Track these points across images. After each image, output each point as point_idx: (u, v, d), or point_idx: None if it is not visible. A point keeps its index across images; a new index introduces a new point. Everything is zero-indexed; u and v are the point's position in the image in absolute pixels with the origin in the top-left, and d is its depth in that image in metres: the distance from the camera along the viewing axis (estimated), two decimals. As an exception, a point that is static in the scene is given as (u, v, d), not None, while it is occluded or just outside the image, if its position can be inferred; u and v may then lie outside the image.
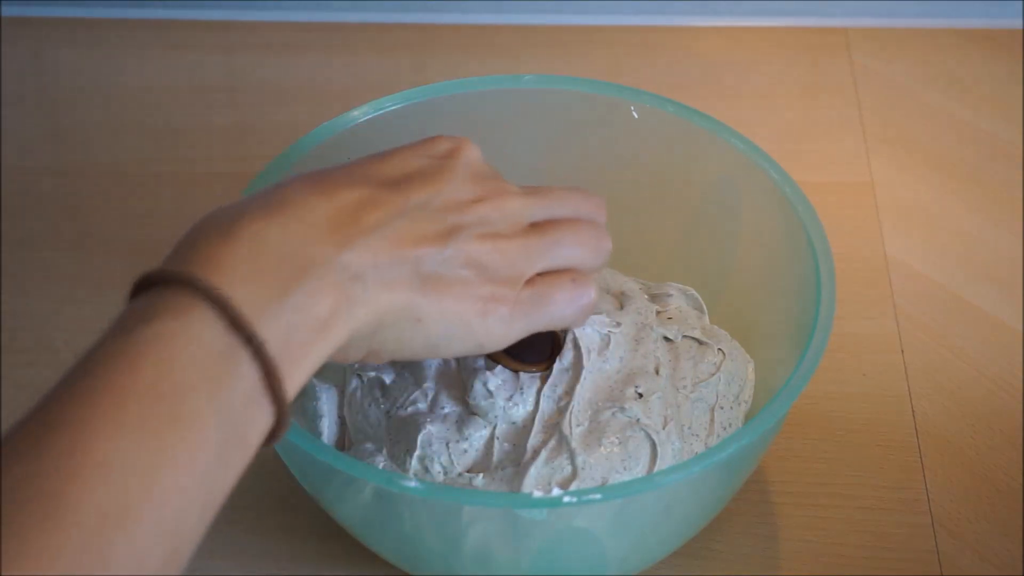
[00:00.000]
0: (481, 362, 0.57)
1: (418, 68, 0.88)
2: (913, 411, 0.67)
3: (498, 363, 0.57)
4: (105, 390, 0.39)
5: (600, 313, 0.59)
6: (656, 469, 0.55)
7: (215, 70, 0.88)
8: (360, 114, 0.63)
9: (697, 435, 0.58)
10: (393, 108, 0.64)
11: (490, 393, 0.56)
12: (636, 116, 0.64)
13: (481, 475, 0.55)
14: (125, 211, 0.78)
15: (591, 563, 0.56)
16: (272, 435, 0.43)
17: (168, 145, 0.82)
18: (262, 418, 0.42)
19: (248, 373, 0.41)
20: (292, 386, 0.43)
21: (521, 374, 0.57)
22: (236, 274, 0.42)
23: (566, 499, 0.49)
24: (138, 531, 0.38)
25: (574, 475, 0.54)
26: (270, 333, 0.42)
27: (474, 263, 0.49)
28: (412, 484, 0.50)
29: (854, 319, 0.70)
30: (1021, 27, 0.89)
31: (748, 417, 0.60)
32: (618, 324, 0.59)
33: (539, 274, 0.52)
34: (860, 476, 0.64)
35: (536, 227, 0.52)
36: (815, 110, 0.85)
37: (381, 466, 0.56)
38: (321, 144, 0.62)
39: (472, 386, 0.57)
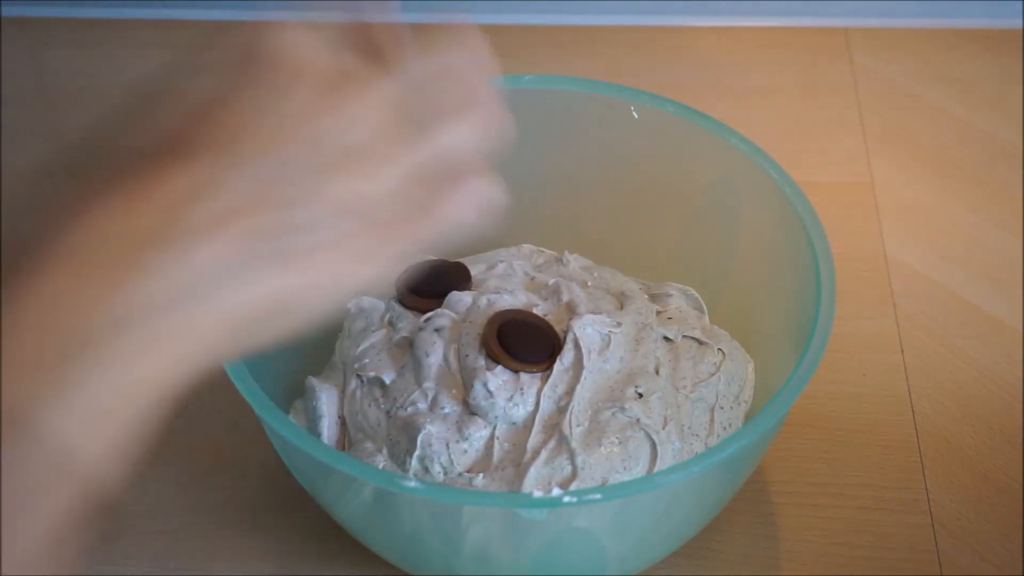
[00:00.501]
0: (482, 362, 0.57)
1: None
2: (913, 411, 0.67)
3: (498, 363, 0.57)
4: None
5: (600, 313, 0.59)
6: (656, 469, 0.55)
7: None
8: (360, 114, 0.63)
9: (697, 435, 0.58)
10: (393, 108, 0.64)
11: (490, 393, 0.56)
12: (636, 116, 0.64)
13: (481, 475, 0.55)
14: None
15: (591, 563, 0.56)
16: None
17: (168, 145, 0.82)
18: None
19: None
20: (105, 454, 0.36)
21: (521, 374, 0.57)
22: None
23: (566, 499, 0.49)
24: None
25: (574, 475, 0.54)
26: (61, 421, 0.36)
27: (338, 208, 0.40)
28: (412, 484, 0.50)
29: (854, 319, 0.70)
30: (1021, 27, 0.89)
31: (748, 417, 0.60)
32: (618, 324, 0.59)
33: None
34: (860, 476, 0.64)
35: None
36: (815, 110, 0.85)
37: (381, 466, 0.56)
38: (321, 144, 0.62)
39: (472, 386, 0.57)
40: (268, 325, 0.39)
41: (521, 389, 0.57)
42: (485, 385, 0.56)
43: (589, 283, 0.63)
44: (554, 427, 0.56)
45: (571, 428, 0.56)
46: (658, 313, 0.62)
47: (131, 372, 0.37)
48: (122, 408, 0.37)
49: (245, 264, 0.38)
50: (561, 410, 0.57)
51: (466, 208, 0.42)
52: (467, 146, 0.43)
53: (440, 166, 0.42)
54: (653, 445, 0.56)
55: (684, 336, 0.61)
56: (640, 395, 0.57)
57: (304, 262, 0.39)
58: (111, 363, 0.37)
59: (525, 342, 0.58)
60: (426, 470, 0.55)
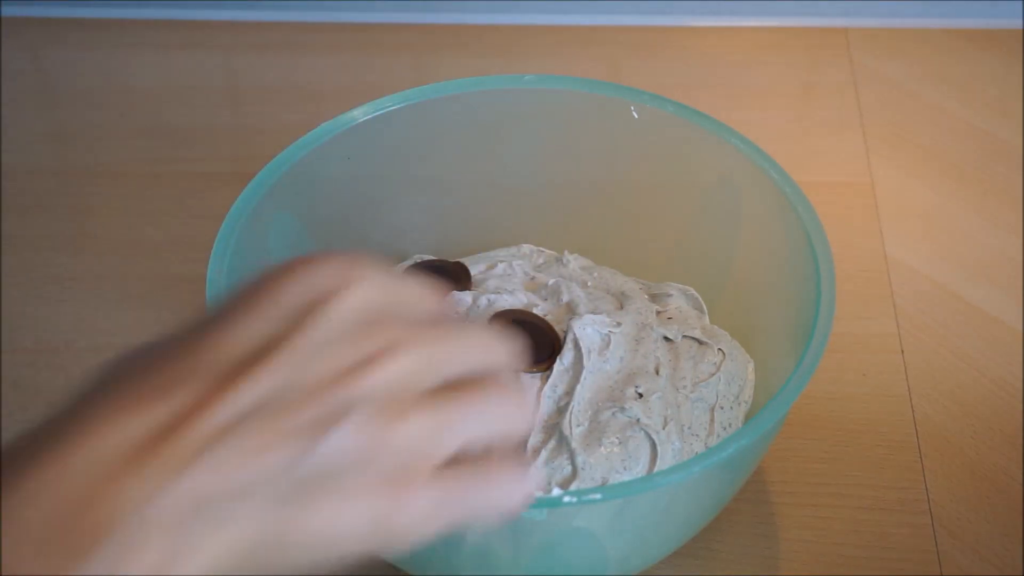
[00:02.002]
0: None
1: (418, 68, 0.88)
2: (913, 411, 0.67)
3: None
4: None
5: (600, 313, 0.59)
6: (656, 469, 0.55)
7: (215, 70, 0.88)
8: (360, 114, 0.63)
9: (697, 435, 0.58)
10: (393, 108, 0.64)
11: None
12: (636, 116, 0.64)
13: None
14: (125, 211, 0.78)
15: (591, 563, 0.56)
16: None
17: (168, 145, 0.82)
18: None
19: None
20: None
21: (522, 374, 0.57)
22: (20, 536, 0.33)
23: (566, 499, 0.49)
24: None
25: (574, 475, 0.54)
26: None
27: (363, 456, 0.37)
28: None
29: (854, 319, 0.70)
30: (1021, 27, 0.89)
31: (748, 417, 0.60)
32: (618, 324, 0.59)
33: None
34: (860, 476, 0.64)
35: (439, 394, 0.39)
36: (815, 110, 0.85)
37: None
38: (321, 144, 0.62)
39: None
40: (280, 565, 0.37)
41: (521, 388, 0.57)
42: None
43: (589, 283, 0.63)
44: (554, 427, 0.56)
45: (571, 428, 0.55)
46: (658, 313, 0.62)
47: (127, 570, 0.34)
48: None
49: (248, 496, 0.36)
50: (561, 410, 0.57)
51: (494, 501, 0.40)
52: (496, 426, 0.40)
53: (470, 436, 0.39)
54: (653, 445, 0.56)
55: (684, 336, 0.61)
56: (640, 395, 0.57)
57: (322, 501, 0.37)
58: (124, 561, 0.34)
59: (525, 342, 0.58)
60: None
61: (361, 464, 0.37)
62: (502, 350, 0.41)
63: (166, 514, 0.35)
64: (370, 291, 0.38)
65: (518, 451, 0.41)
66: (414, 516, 0.38)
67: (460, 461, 0.39)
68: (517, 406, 0.40)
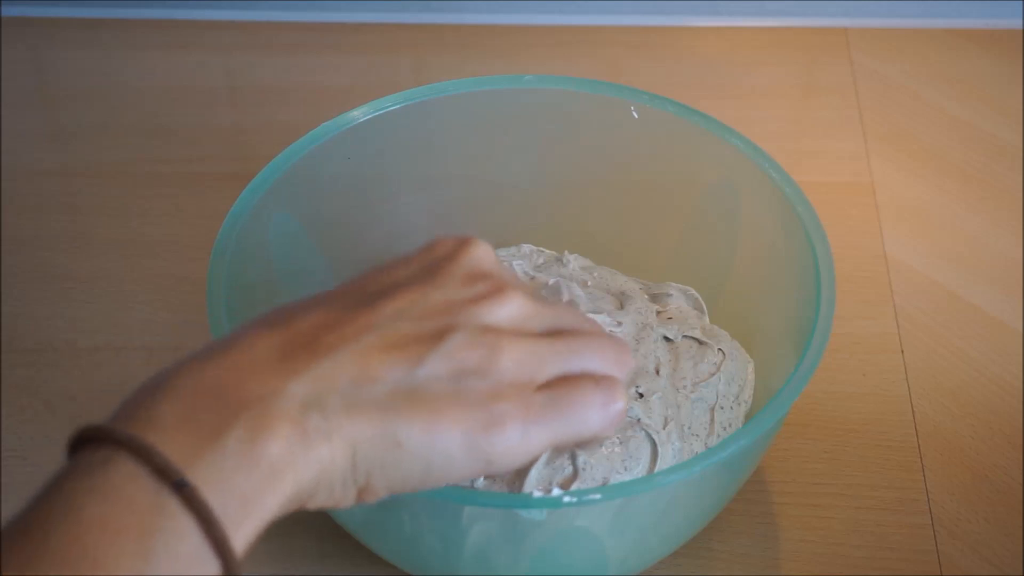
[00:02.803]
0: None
1: (418, 68, 0.88)
2: (913, 411, 0.67)
3: None
4: (15, 550, 0.36)
5: (600, 313, 0.59)
6: (656, 469, 0.55)
7: (215, 70, 0.88)
8: (360, 114, 0.63)
9: (697, 435, 0.58)
10: (393, 108, 0.64)
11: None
12: (636, 116, 0.64)
13: (482, 476, 0.55)
14: (125, 211, 0.78)
15: (591, 563, 0.56)
16: None
17: (168, 145, 0.82)
18: (207, 571, 0.38)
19: (183, 526, 0.37)
20: (242, 539, 0.38)
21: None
22: (165, 422, 0.38)
23: (566, 499, 0.49)
24: None
25: (575, 475, 0.54)
26: (207, 479, 0.37)
27: (468, 372, 0.42)
28: (412, 484, 0.50)
29: (854, 319, 0.70)
30: (1021, 27, 0.89)
31: (748, 417, 0.60)
32: (618, 324, 0.59)
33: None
34: (860, 476, 0.64)
35: (547, 334, 0.45)
36: (815, 110, 0.85)
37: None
38: (321, 144, 0.62)
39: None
40: (379, 469, 0.41)
41: (521, 389, 0.57)
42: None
43: (589, 283, 0.63)
44: (554, 427, 0.56)
45: (571, 428, 0.55)
46: (658, 313, 0.62)
47: (275, 468, 0.39)
48: (261, 505, 0.39)
49: (364, 397, 0.41)
50: (561, 410, 0.57)
51: (599, 413, 0.44)
52: (596, 364, 0.45)
53: (571, 368, 0.44)
54: (654, 445, 0.56)
55: (684, 336, 0.61)
56: (640, 395, 0.57)
57: (427, 413, 0.41)
58: (260, 455, 0.39)
59: None
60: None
61: (466, 380, 0.42)
62: (615, 342, 0.47)
63: (294, 404, 0.39)
64: (490, 252, 0.46)
65: (617, 381, 0.45)
66: (508, 436, 0.42)
67: (555, 386, 0.44)
68: (618, 349, 0.46)
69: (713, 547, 0.61)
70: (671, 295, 0.63)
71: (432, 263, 0.45)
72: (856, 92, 0.85)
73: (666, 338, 0.60)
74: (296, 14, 0.91)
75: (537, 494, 0.50)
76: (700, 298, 0.64)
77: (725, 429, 0.59)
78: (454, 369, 0.42)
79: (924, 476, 0.64)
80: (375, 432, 0.40)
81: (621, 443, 0.55)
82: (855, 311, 0.71)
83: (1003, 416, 0.66)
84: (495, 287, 0.44)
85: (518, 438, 0.42)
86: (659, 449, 0.55)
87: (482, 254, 0.46)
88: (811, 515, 0.63)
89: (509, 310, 0.44)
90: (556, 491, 0.50)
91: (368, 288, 0.44)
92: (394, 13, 0.91)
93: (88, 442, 0.38)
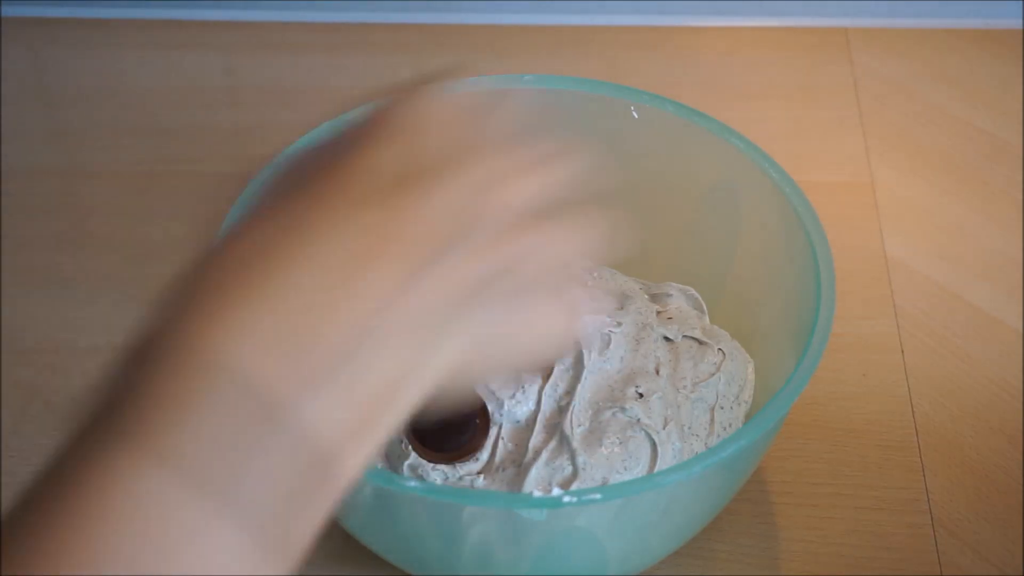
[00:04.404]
0: (481, 362, 0.57)
1: (418, 68, 0.88)
2: (913, 411, 0.67)
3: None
4: (145, 420, 0.34)
5: (600, 313, 0.59)
6: (656, 469, 0.55)
7: (215, 70, 0.88)
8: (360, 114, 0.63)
9: (697, 435, 0.58)
10: (393, 108, 0.64)
11: (492, 393, 0.56)
12: (636, 116, 0.64)
13: (482, 476, 0.55)
14: (125, 211, 0.78)
15: (591, 563, 0.56)
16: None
17: (168, 145, 0.82)
18: (329, 493, 0.36)
19: (297, 450, 0.35)
20: (355, 465, 0.36)
21: (522, 373, 0.57)
22: (266, 340, 0.35)
23: (566, 499, 0.49)
24: None
25: (575, 475, 0.54)
26: (315, 412, 0.35)
27: (504, 271, 0.41)
28: (412, 484, 0.50)
29: (854, 319, 0.70)
30: (1021, 27, 0.89)
31: (748, 417, 0.60)
32: (619, 324, 0.59)
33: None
34: (860, 476, 0.64)
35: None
36: (815, 110, 0.85)
37: (380, 466, 0.56)
38: (321, 144, 0.62)
39: (475, 386, 0.57)
40: (482, 364, 0.41)
41: (523, 387, 0.57)
42: (487, 385, 0.56)
43: (589, 283, 0.63)
44: (555, 427, 0.56)
45: (572, 428, 0.55)
46: (658, 313, 0.62)
47: (389, 383, 0.37)
48: (374, 417, 0.37)
49: (478, 298, 0.39)
50: (562, 410, 0.57)
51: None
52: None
53: None
54: (654, 445, 0.56)
55: (684, 336, 0.61)
56: (640, 395, 0.57)
57: (526, 309, 0.41)
58: (369, 370, 0.36)
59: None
60: (423, 476, 0.55)
61: (525, 285, 0.41)
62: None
63: (395, 326, 0.37)
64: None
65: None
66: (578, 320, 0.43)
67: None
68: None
69: (713, 547, 0.61)
70: (671, 295, 0.63)
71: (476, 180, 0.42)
72: (856, 92, 0.85)
73: (666, 338, 0.60)
74: (296, 14, 0.91)
75: (537, 494, 0.50)
76: (700, 298, 0.64)
77: (725, 429, 0.59)
78: (533, 267, 0.41)
79: (924, 476, 0.64)
80: (471, 337, 0.39)
81: (621, 443, 0.55)
82: (855, 311, 0.71)
83: (1003, 416, 0.66)
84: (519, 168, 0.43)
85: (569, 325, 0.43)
86: (659, 449, 0.55)
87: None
88: (811, 515, 0.63)
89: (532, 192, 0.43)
90: (556, 491, 0.50)
91: (382, 181, 0.40)
92: (394, 13, 0.91)
93: (164, 350, 0.36)
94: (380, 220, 0.38)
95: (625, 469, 0.55)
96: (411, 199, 0.39)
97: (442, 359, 0.38)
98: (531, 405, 0.57)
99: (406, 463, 0.55)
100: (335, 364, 0.36)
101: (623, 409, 0.56)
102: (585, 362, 0.57)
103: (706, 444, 0.58)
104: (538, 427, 0.56)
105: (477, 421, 0.56)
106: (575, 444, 0.55)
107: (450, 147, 0.41)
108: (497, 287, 0.40)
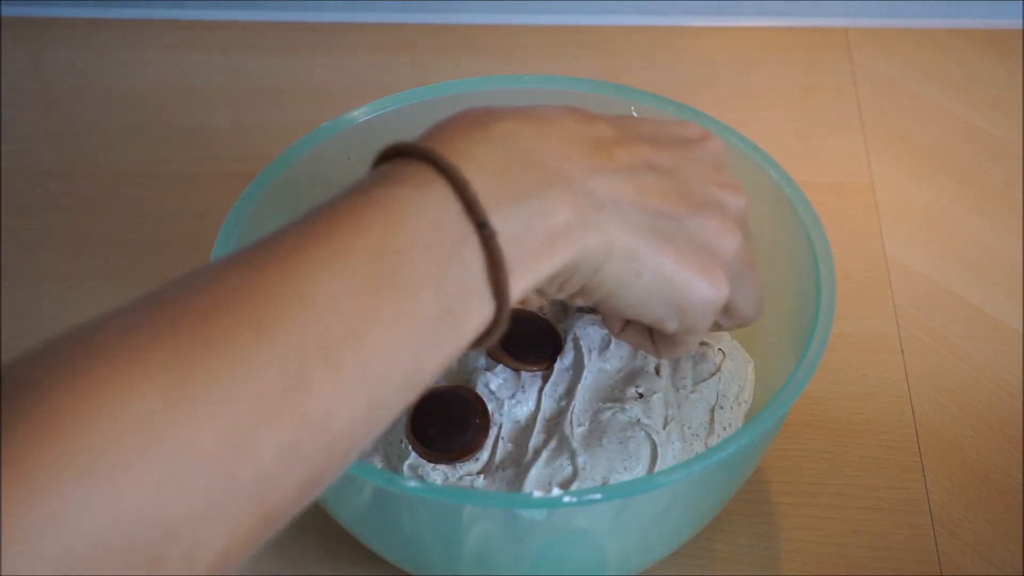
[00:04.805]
0: (483, 362, 0.57)
1: (418, 68, 0.88)
2: (913, 411, 0.67)
3: (499, 362, 0.57)
4: (328, 236, 0.39)
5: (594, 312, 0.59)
6: (656, 469, 0.55)
7: (215, 70, 0.88)
8: (360, 114, 0.63)
9: (697, 435, 0.58)
10: (393, 108, 0.64)
11: (492, 393, 0.56)
12: (636, 116, 0.64)
13: (482, 476, 0.55)
14: (125, 211, 0.78)
15: (591, 563, 0.56)
16: (488, 333, 0.42)
17: (168, 145, 0.82)
18: (481, 310, 0.41)
19: (473, 260, 0.41)
20: (517, 288, 0.42)
21: (522, 373, 0.57)
22: (482, 165, 0.42)
23: (566, 499, 0.49)
24: (337, 373, 0.37)
25: (575, 475, 0.54)
26: (503, 228, 0.41)
27: (708, 242, 0.48)
28: (412, 484, 0.50)
29: (854, 319, 0.70)
30: (1021, 27, 0.89)
31: (748, 417, 0.60)
32: (618, 324, 0.59)
33: None
34: (860, 476, 0.64)
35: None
36: (815, 110, 0.85)
37: (379, 466, 0.56)
38: (321, 144, 0.62)
39: (474, 387, 0.57)
40: (613, 278, 0.46)
41: (523, 387, 0.57)
42: (487, 385, 0.56)
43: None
44: (555, 427, 0.56)
45: (572, 428, 0.55)
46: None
47: (555, 240, 0.43)
48: (536, 268, 0.42)
49: (633, 218, 0.45)
50: (562, 410, 0.57)
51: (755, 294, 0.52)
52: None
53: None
54: (654, 445, 0.56)
55: (684, 336, 0.61)
56: (640, 395, 0.57)
57: (670, 254, 0.46)
58: (548, 225, 0.43)
59: (526, 342, 0.58)
60: (423, 476, 0.55)
61: (703, 247, 0.47)
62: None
63: (584, 195, 0.44)
64: (722, 152, 0.51)
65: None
66: (720, 293, 0.48)
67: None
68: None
69: (713, 547, 0.61)
70: (671, 295, 0.63)
71: (687, 137, 0.50)
72: (856, 92, 0.85)
73: (666, 338, 0.60)
74: (296, 14, 0.91)
75: (537, 494, 0.50)
76: (700, 298, 0.64)
77: (725, 429, 0.59)
78: (700, 236, 0.47)
79: (924, 476, 0.64)
80: (630, 249, 0.45)
81: (621, 443, 0.55)
82: (855, 311, 0.71)
83: (1003, 416, 0.66)
84: (732, 181, 0.50)
85: (720, 298, 0.48)
86: (659, 449, 0.55)
87: (723, 149, 0.51)
88: (811, 515, 0.63)
89: (740, 204, 0.50)
90: (556, 491, 0.50)
91: (639, 130, 0.48)
92: (393, 13, 0.91)
93: (404, 156, 0.42)
94: (601, 124, 0.46)
95: (625, 469, 0.55)
96: (634, 126, 0.48)
97: (596, 242, 0.44)
98: (531, 405, 0.57)
99: (406, 463, 0.55)
100: (528, 194, 0.42)
101: (623, 409, 0.56)
102: (585, 362, 0.57)
103: (706, 444, 0.58)
104: (538, 427, 0.56)
105: (477, 421, 0.56)
106: (575, 444, 0.55)
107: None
108: (668, 227, 0.46)
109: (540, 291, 0.45)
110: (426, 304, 0.40)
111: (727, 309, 0.51)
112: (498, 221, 0.41)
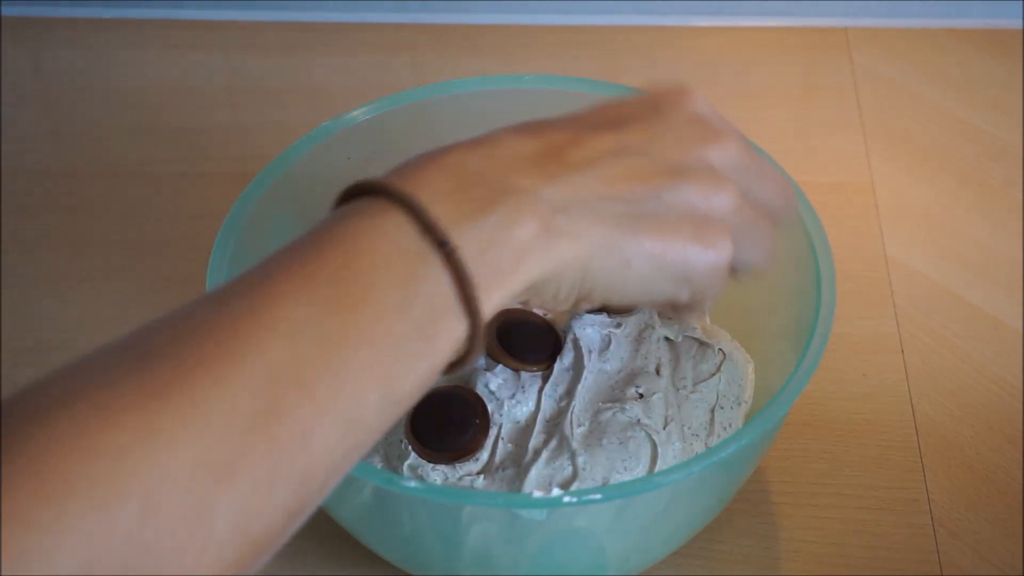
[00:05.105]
0: (483, 362, 0.57)
1: (418, 68, 0.88)
2: (913, 411, 0.67)
3: (499, 362, 0.57)
4: (288, 269, 0.40)
5: (602, 313, 0.59)
6: (657, 469, 0.55)
7: (215, 70, 0.88)
8: (360, 114, 0.63)
9: (697, 435, 0.58)
10: (393, 108, 0.64)
11: (492, 393, 0.56)
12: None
13: (482, 476, 0.55)
14: (125, 211, 0.78)
15: (591, 563, 0.56)
16: (466, 355, 0.42)
17: (168, 145, 0.82)
18: (454, 328, 0.41)
19: (439, 279, 0.41)
20: (489, 304, 0.42)
21: (522, 373, 0.57)
22: (435, 191, 0.42)
23: (566, 499, 0.49)
24: (310, 396, 0.38)
25: (575, 476, 0.54)
26: (466, 245, 0.42)
27: (692, 211, 0.47)
28: (412, 484, 0.50)
29: (854, 319, 0.70)
30: (1021, 27, 0.89)
31: (748, 417, 0.60)
32: (619, 324, 0.59)
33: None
34: (860, 476, 0.64)
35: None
36: (815, 110, 0.85)
37: (379, 466, 0.56)
38: (321, 144, 0.62)
39: (474, 387, 0.56)
40: (603, 277, 0.46)
41: (523, 387, 0.57)
42: (487, 385, 0.56)
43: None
44: (555, 427, 0.56)
45: (572, 428, 0.55)
46: (659, 313, 0.62)
47: (523, 252, 0.43)
48: (507, 282, 0.43)
49: (602, 211, 0.45)
50: (562, 410, 0.57)
51: (764, 247, 0.50)
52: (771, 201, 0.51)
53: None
54: (654, 445, 0.56)
55: (685, 336, 0.61)
56: (640, 395, 0.57)
57: (652, 235, 0.46)
58: (513, 237, 0.43)
59: (526, 342, 0.58)
60: (423, 476, 0.55)
61: (689, 217, 0.46)
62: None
63: (545, 204, 0.44)
64: (707, 100, 0.50)
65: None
66: (719, 259, 0.47)
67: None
68: (787, 193, 0.52)
69: (713, 547, 0.61)
70: (671, 295, 0.63)
71: (658, 104, 0.49)
72: (856, 92, 0.85)
73: (666, 338, 0.60)
74: (296, 14, 0.91)
75: (537, 494, 0.50)
76: (700, 298, 0.64)
77: (725, 429, 0.59)
78: (684, 203, 0.46)
79: (924, 476, 0.64)
80: (607, 245, 0.45)
81: (621, 443, 0.55)
82: (855, 311, 0.71)
83: (1003, 416, 0.66)
84: (717, 131, 0.49)
85: (723, 260, 0.47)
86: (659, 450, 0.55)
87: (702, 100, 0.50)
88: (811, 515, 0.63)
89: (730, 154, 0.48)
90: (556, 491, 0.50)
91: (602, 118, 0.48)
92: (393, 13, 0.91)
93: (360, 195, 0.43)
94: (552, 130, 0.46)
95: (625, 469, 0.55)
96: (598, 115, 0.48)
97: (569, 247, 0.44)
98: (531, 405, 0.57)
99: (406, 463, 0.55)
100: (485, 211, 0.42)
101: (623, 409, 0.56)
102: (585, 362, 0.57)
103: (706, 444, 0.58)
104: (538, 427, 0.56)
105: (477, 421, 0.56)
106: (575, 444, 0.55)
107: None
108: (646, 208, 0.46)
109: (542, 306, 0.45)
110: (393, 324, 0.40)
111: (737, 263, 0.50)
112: (458, 239, 0.41)
